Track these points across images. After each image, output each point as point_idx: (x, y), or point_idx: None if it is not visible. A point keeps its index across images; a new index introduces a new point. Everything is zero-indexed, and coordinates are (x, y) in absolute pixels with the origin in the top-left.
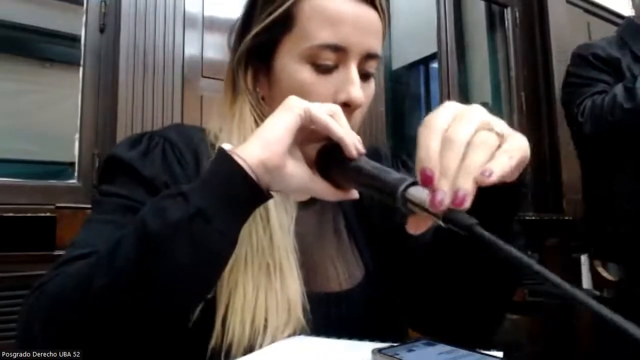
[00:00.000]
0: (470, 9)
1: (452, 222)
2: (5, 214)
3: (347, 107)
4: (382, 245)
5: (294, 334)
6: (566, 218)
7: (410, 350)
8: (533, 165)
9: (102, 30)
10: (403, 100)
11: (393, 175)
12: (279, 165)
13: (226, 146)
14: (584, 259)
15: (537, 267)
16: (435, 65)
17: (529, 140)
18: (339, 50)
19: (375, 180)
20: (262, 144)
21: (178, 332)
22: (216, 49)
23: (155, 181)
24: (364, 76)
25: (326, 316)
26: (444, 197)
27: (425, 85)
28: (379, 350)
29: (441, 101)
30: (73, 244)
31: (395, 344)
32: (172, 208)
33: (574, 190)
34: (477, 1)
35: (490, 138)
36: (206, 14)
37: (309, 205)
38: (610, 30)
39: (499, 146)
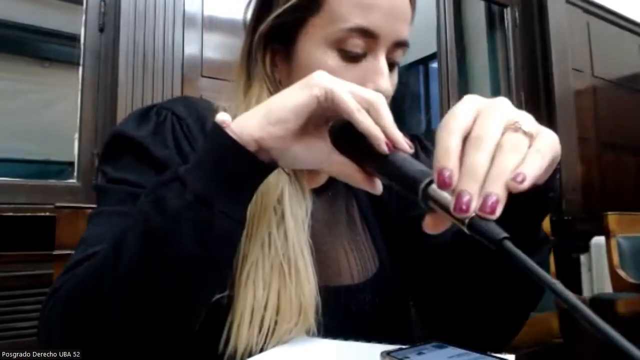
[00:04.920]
0: (470, 9)
1: (478, 232)
2: (4, 214)
3: None
4: (398, 237)
5: (303, 333)
6: (565, 218)
7: (420, 353)
8: None
9: (101, 30)
10: (403, 101)
11: (417, 166)
12: (275, 147)
13: (222, 117)
14: (583, 259)
15: (573, 300)
16: (434, 65)
17: None
18: (369, 37)
19: (395, 170)
20: (261, 121)
21: (191, 330)
22: (216, 48)
23: (168, 163)
24: (391, 65)
25: (336, 310)
26: (471, 200)
27: (424, 85)
28: (388, 353)
29: (441, 101)
30: (84, 240)
31: (404, 347)
32: (170, 197)
33: (573, 190)
34: (477, 1)
35: (519, 140)
36: (206, 13)
37: (320, 192)
38: (610, 30)
39: (529, 146)
